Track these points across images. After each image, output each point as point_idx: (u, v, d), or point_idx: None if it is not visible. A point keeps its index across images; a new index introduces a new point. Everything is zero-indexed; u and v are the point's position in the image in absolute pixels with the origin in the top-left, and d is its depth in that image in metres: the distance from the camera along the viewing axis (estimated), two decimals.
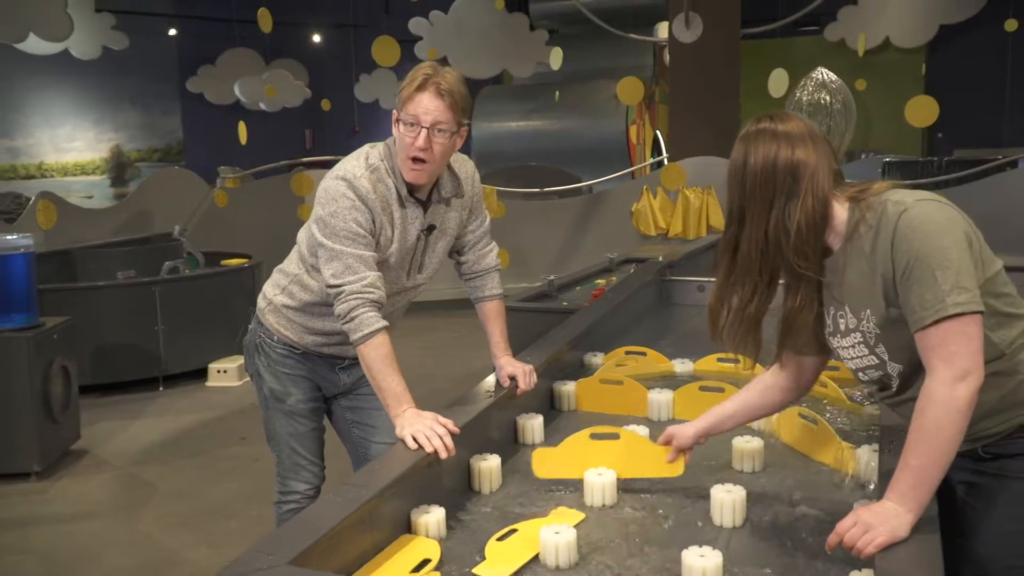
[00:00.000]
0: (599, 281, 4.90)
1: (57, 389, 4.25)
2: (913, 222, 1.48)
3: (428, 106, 2.05)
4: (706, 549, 1.55)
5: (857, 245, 1.56)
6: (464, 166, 2.35)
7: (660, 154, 12.51)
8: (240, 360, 5.99)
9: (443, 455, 1.84)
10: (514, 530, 1.70)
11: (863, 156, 11.64)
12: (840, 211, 1.57)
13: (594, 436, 1.94)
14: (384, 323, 2.08)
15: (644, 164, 11.02)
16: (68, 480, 4.20)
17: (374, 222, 2.13)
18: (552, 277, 4.64)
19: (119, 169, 14.66)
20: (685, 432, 1.88)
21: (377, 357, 2.05)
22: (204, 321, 5.93)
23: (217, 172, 9.45)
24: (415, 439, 1.87)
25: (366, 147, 2.24)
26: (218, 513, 3.80)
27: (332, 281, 2.10)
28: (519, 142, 11.68)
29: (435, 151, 2.08)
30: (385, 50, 7.77)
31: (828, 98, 10.24)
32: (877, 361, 1.63)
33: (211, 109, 14.33)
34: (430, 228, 2.26)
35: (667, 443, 1.89)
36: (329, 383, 2.50)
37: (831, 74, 10.37)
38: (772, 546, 1.64)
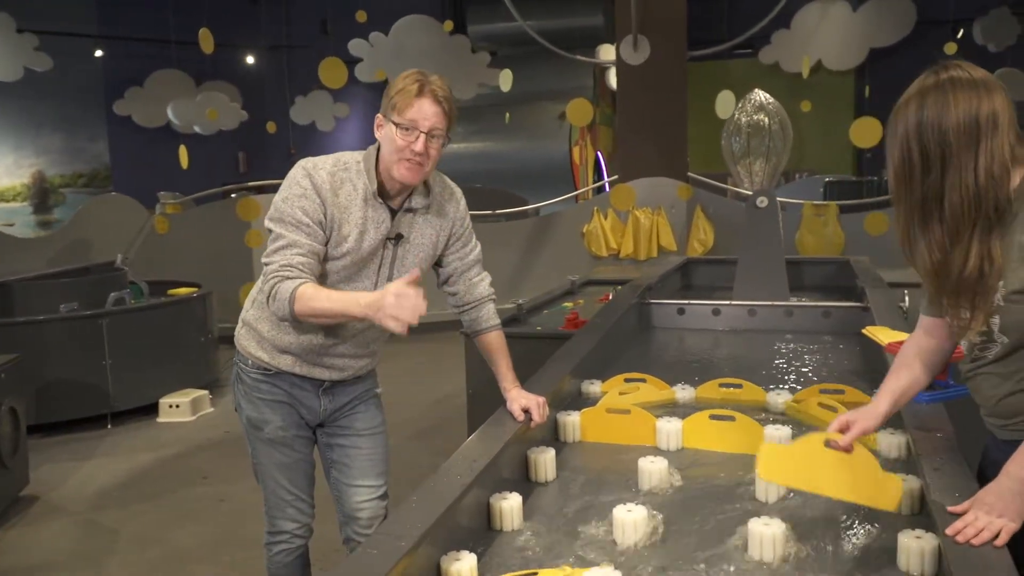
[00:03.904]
0: (566, 304, 4.86)
1: (5, 431, 3.99)
2: None
3: (427, 112, 2.09)
4: None
5: (1019, 209, 1.53)
6: (449, 188, 2.35)
7: (601, 175, 12.61)
8: (193, 394, 5.77)
9: (415, 321, 1.90)
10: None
11: (798, 177, 11.93)
12: (1019, 169, 1.55)
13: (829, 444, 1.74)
14: (302, 279, 2.06)
15: (587, 188, 11.10)
16: (22, 529, 3.94)
17: (325, 215, 2.12)
18: (521, 301, 4.59)
19: (42, 195, 14.05)
20: (869, 417, 1.76)
21: (311, 300, 2.04)
22: (154, 354, 5.69)
23: (157, 197, 9.11)
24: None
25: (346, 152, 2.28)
26: (189, 559, 3.60)
27: (263, 259, 2.13)
28: (462, 164, 11.63)
29: (431, 155, 2.14)
30: (332, 72, 7.65)
31: (766, 119, 10.43)
32: (986, 328, 1.62)
33: (139, 133, 13.90)
34: (398, 237, 2.22)
35: (843, 430, 1.73)
36: (308, 409, 2.38)
37: (768, 96, 10.58)
38: None
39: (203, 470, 4.64)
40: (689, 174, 8.34)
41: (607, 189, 9.42)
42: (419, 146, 2.09)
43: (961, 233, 1.51)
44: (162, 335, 5.78)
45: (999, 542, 1.41)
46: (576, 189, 11.38)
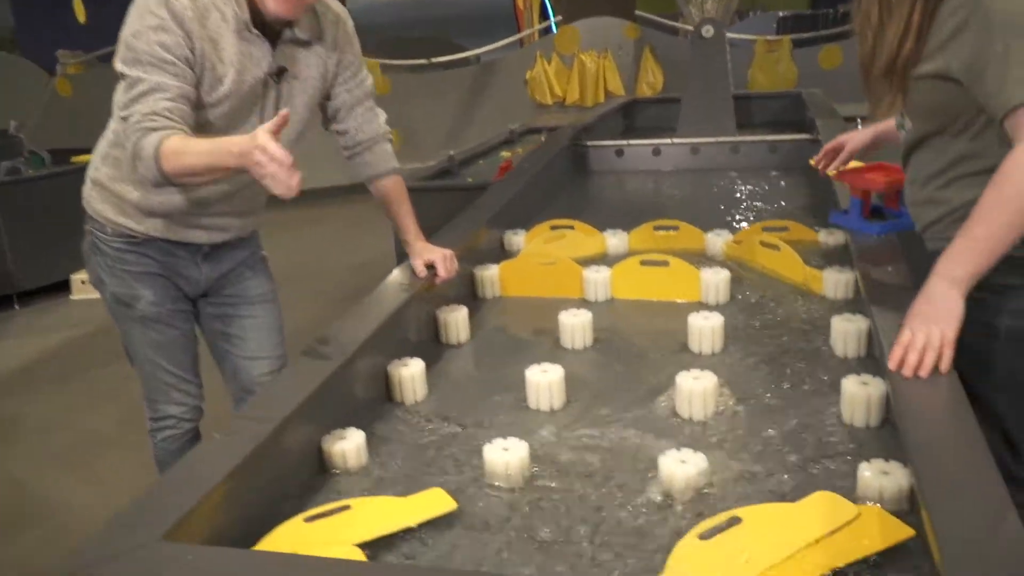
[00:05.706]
0: (504, 154, 4.54)
1: None
2: None
3: None
4: (687, 452, 1.28)
5: None
6: (331, 6, 1.94)
7: (547, 18, 11.92)
8: None
9: (296, 186, 1.47)
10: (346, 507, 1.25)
11: (751, 14, 11.44)
12: None
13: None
14: (169, 129, 1.64)
15: (532, 30, 10.46)
16: None
17: (193, 50, 1.70)
18: (452, 152, 4.24)
19: None
20: (856, 137, 1.98)
21: (181, 155, 1.62)
22: (59, 228, 5.22)
23: (56, 58, 8.35)
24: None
25: None
26: (96, 444, 3.34)
27: (119, 114, 1.70)
28: (396, 11, 10.90)
29: None
30: None
31: None
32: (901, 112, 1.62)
33: None
34: (280, 71, 1.84)
35: (835, 150, 2.01)
36: (187, 280, 2.04)
37: None
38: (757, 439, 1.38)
39: (118, 349, 4.32)
40: (637, 13, 7.82)
41: (554, 30, 8.85)
42: None
43: (898, 10, 1.43)
44: (68, 207, 5.26)
45: (944, 368, 1.29)
46: (519, 33, 10.74)
